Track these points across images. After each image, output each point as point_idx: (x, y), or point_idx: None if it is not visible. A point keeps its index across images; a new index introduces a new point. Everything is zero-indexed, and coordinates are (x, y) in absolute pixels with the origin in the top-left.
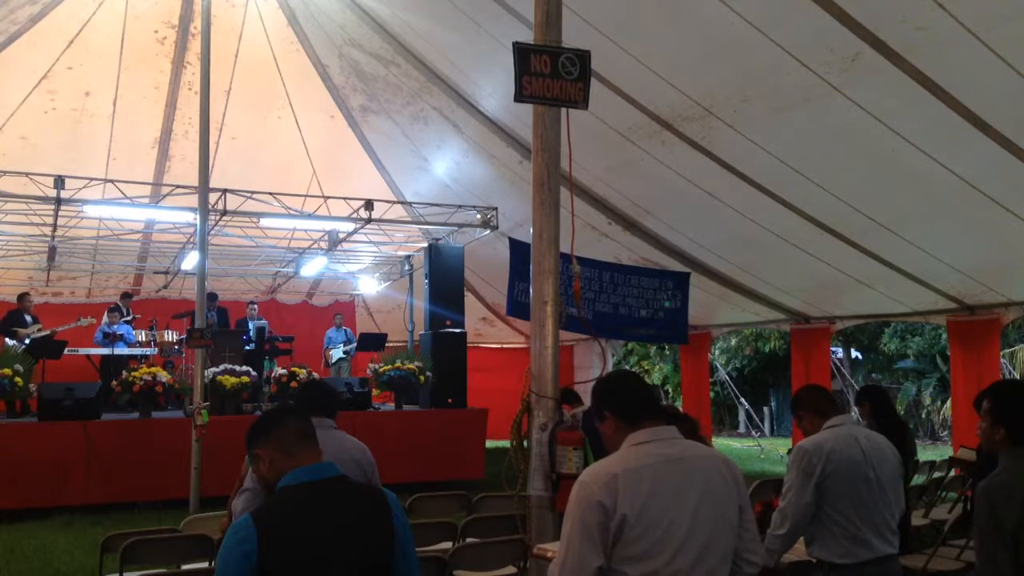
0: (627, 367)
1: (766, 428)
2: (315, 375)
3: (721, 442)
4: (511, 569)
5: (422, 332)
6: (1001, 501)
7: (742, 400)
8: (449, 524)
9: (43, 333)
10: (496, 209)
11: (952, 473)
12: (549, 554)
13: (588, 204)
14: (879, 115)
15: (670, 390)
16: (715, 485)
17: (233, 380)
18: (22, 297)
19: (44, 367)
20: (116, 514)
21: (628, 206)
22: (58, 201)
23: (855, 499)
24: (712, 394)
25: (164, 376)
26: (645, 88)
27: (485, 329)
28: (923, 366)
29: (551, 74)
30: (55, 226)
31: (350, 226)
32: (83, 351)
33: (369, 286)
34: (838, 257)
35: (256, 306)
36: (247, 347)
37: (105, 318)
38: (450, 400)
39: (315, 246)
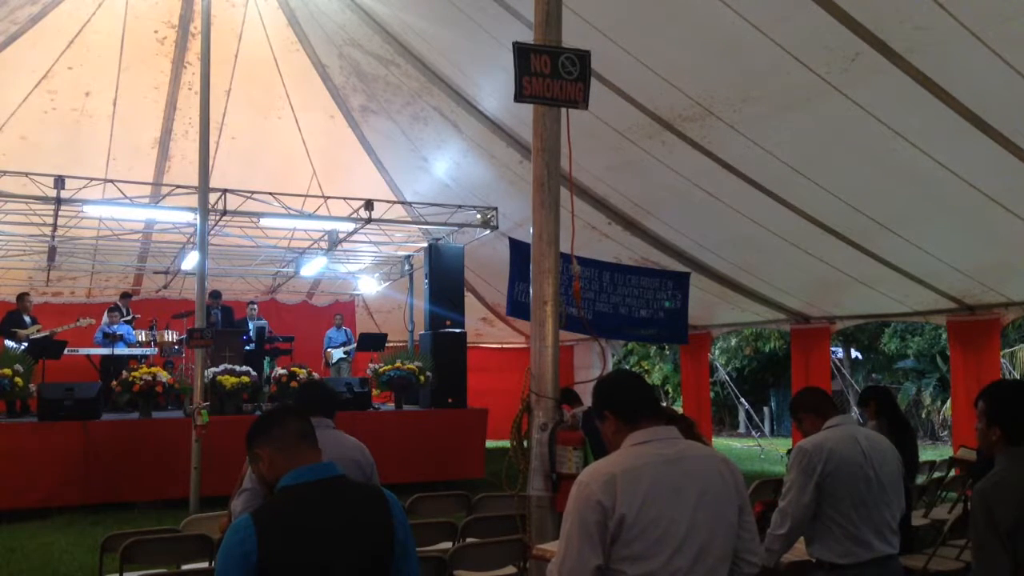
0: (627, 367)
1: (766, 428)
2: (315, 375)
3: (721, 442)
4: (511, 569)
5: (422, 332)
6: (997, 502)
7: (742, 400)
8: (449, 524)
9: (42, 334)
10: (496, 209)
11: (952, 473)
12: (549, 554)
13: (588, 204)
14: (879, 115)
15: (670, 390)
16: (714, 485)
17: (233, 380)
18: (21, 297)
19: (44, 367)
20: (116, 514)
21: (628, 206)
22: (58, 201)
23: (855, 499)
24: (712, 394)
25: (164, 376)
26: (645, 88)
27: (485, 329)
28: (923, 366)
29: (551, 74)
30: (55, 226)
31: (350, 226)
32: (83, 351)
33: (369, 286)
34: (838, 257)
35: (256, 306)
36: (247, 347)
37: (105, 318)
38: (450, 400)
39: (315, 246)
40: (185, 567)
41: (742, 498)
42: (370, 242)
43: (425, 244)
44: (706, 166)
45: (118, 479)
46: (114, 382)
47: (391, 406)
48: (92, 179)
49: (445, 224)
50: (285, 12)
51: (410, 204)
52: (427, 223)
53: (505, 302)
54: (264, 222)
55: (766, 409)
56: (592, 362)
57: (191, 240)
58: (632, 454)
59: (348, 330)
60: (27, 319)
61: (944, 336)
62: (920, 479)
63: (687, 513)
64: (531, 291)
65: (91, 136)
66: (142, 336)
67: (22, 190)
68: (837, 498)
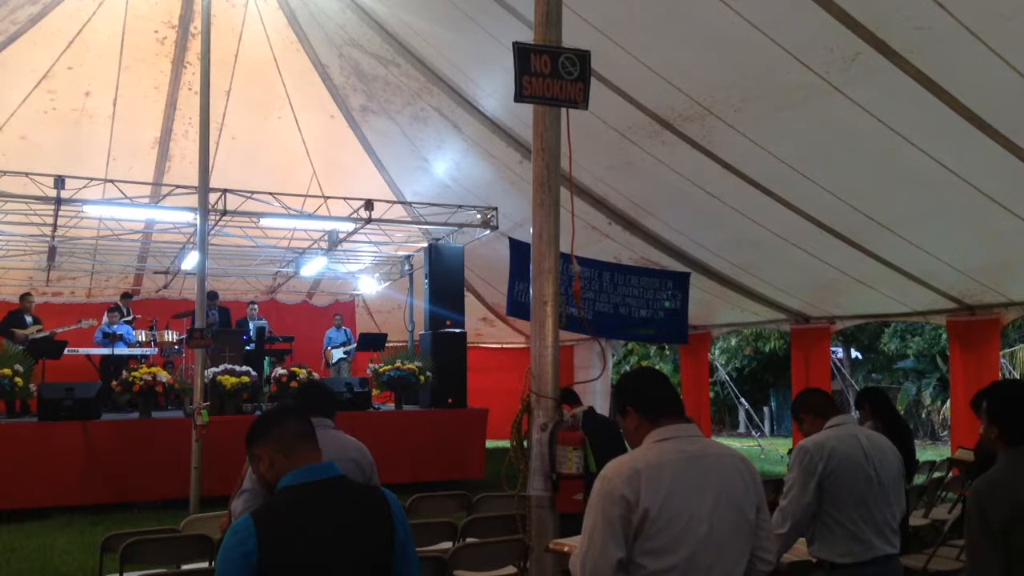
0: (627, 367)
1: (766, 428)
2: (315, 375)
3: (721, 442)
4: (511, 569)
5: (422, 332)
6: (990, 501)
7: (742, 400)
8: (449, 524)
9: (42, 334)
10: (496, 209)
11: (951, 474)
12: (566, 548)
13: (588, 204)
14: (879, 115)
15: None
16: (733, 482)
17: (233, 380)
18: (24, 297)
19: (44, 367)
20: (116, 514)
21: (628, 206)
22: (58, 201)
23: (856, 498)
24: (712, 394)
25: (164, 376)
26: (645, 88)
27: (485, 329)
28: (923, 366)
29: (551, 74)
30: (55, 226)
31: (350, 226)
32: (83, 351)
33: (369, 286)
34: (838, 257)
35: (256, 306)
36: (247, 347)
37: (105, 318)
38: (450, 400)
39: (315, 246)
40: (185, 567)
41: (760, 497)
42: (370, 242)
43: (425, 244)
44: (706, 166)
45: (118, 479)
46: (114, 382)
47: (391, 406)
48: (92, 179)
49: (445, 224)
50: (285, 12)
51: (410, 204)
52: (427, 223)
53: (505, 302)
54: (264, 222)
55: (766, 409)
56: (592, 362)
57: (191, 240)
58: (655, 450)
59: (348, 330)
60: (28, 319)
61: (944, 336)
62: (919, 479)
63: (708, 509)
64: (531, 291)
65: (91, 136)
66: (142, 336)
67: (22, 190)
68: (838, 497)
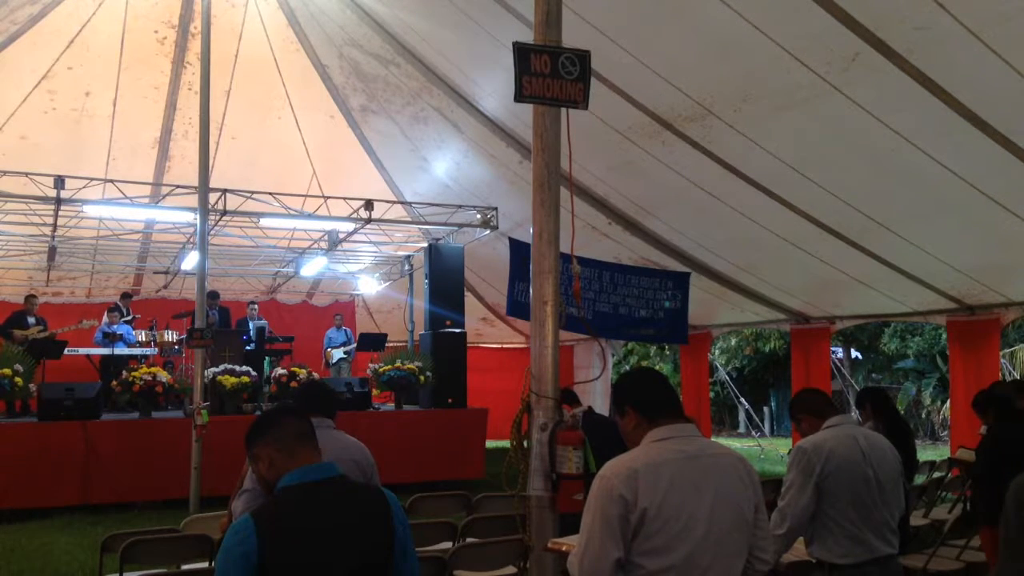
0: (627, 367)
1: (766, 428)
2: (315, 375)
3: (721, 442)
4: (511, 569)
5: (422, 332)
6: None
7: (742, 400)
8: (449, 524)
9: (43, 335)
10: (496, 209)
11: (951, 474)
12: (564, 548)
13: (588, 204)
14: (879, 115)
15: None
16: (731, 482)
17: (233, 380)
18: (28, 298)
19: (44, 367)
20: (116, 514)
21: (628, 206)
22: (58, 201)
23: (854, 499)
24: (712, 394)
25: (164, 376)
26: (645, 88)
27: (485, 329)
28: (923, 366)
29: (551, 74)
30: (55, 226)
31: (350, 226)
32: (83, 351)
33: (369, 286)
34: (838, 257)
35: (256, 306)
36: (247, 347)
37: (105, 318)
38: (450, 400)
39: (315, 246)
40: (185, 567)
41: (758, 496)
42: (370, 242)
43: (425, 244)
44: (706, 166)
45: (118, 479)
46: (114, 382)
47: (391, 406)
48: (92, 179)
49: (445, 224)
50: (285, 12)
51: (410, 204)
52: (427, 223)
53: (505, 302)
54: (264, 222)
55: (766, 409)
56: (592, 362)
57: (191, 240)
58: (653, 450)
59: (348, 330)
60: (31, 320)
61: (944, 336)
62: (920, 479)
63: (706, 509)
64: (531, 291)
65: (91, 136)
66: (142, 336)
67: (22, 190)
68: (836, 498)
